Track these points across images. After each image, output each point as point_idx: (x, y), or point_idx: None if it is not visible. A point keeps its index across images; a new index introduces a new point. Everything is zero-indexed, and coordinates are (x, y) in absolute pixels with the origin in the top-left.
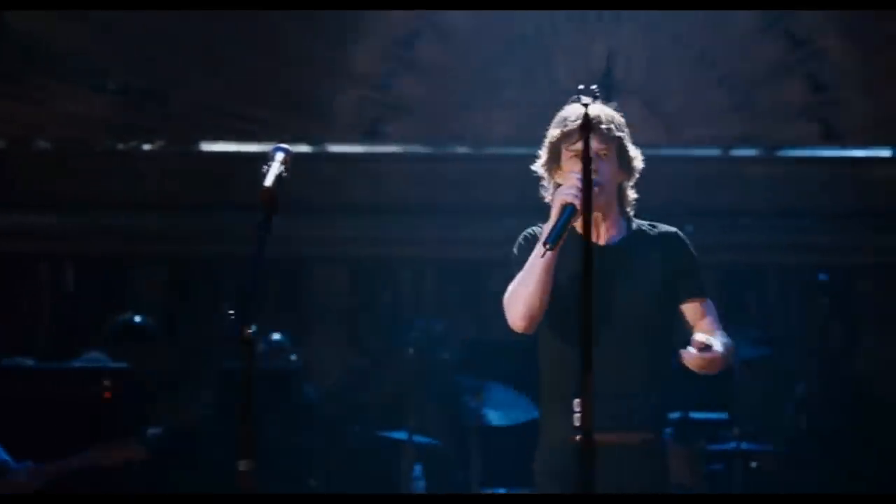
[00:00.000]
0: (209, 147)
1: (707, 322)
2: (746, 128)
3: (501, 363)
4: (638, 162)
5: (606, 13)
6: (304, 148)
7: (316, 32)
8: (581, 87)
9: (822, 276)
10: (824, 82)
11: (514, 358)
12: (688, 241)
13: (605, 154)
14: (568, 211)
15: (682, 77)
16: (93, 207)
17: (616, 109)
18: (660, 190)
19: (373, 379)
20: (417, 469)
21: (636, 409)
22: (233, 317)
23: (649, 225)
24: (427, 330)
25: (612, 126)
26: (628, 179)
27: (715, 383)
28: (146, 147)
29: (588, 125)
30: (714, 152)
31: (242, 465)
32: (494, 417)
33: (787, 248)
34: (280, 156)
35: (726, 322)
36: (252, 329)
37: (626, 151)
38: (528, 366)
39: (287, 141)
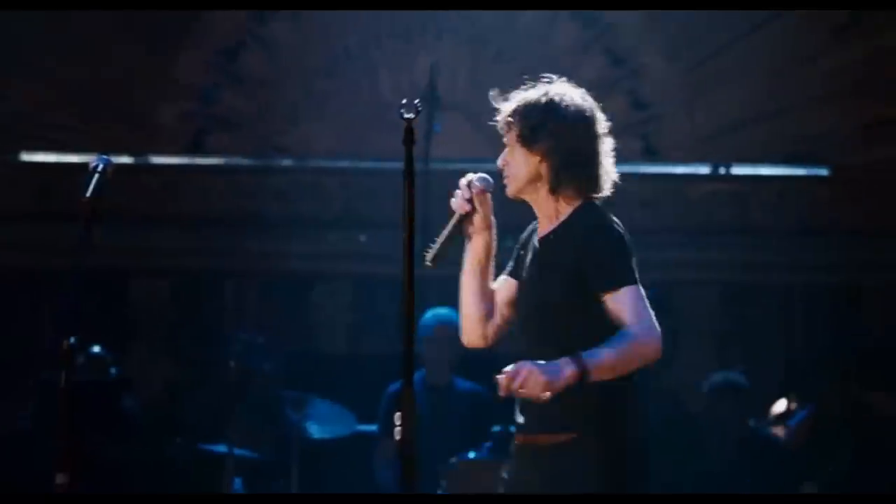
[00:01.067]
0: (29, 157)
1: (620, 317)
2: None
3: (323, 376)
4: (564, 137)
5: (430, 27)
6: (126, 159)
7: (140, 43)
8: (404, 101)
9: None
10: (644, 100)
11: (336, 371)
12: (602, 232)
13: (507, 143)
14: (453, 220)
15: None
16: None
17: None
18: None
19: (194, 391)
20: (237, 482)
21: (551, 409)
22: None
23: (586, 215)
24: (249, 342)
25: (505, 115)
26: (547, 161)
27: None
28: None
29: (410, 139)
30: None
31: (59, 479)
32: (316, 430)
33: None
34: (101, 167)
35: None
36: (71, 341)
37: (531, 135)
38: (350, 379)
39: (110, 152)
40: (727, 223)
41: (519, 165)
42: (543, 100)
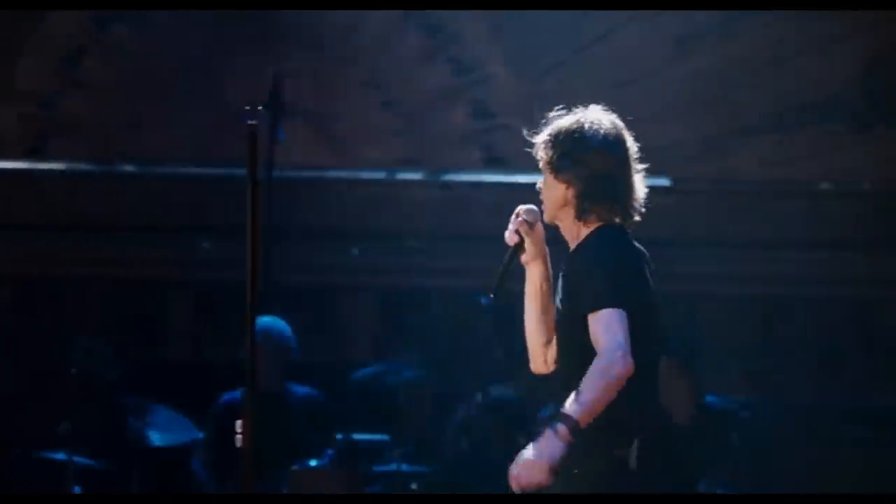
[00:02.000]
0: None
1: (594, 340)
2: (411, 151)
3: (165, 384)
4: (587, 164)
5: (275, 33)
6: None
7: None
8: (248, 107)
9: (484, 300)
10: (489, 109)
11: (178, 379)
12: (596, 254)
13: (543, 170)
14: (508, 252)
15: (349, 100)
16: None
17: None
18: (325, 212)
19: (34, 399)
20: (77, 490)
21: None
22: None
23: (595, 238)
24: (90, 350)
25: (539, 143)
26: (572, 188)
27: (378, 405)
28: None
29: (253, 146)
30: (379, 175)
31: None
32: (157, 438)
33: (451, 271)
34: None
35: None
36: None
37: (558, 162)
38: (194, 386)
39: None
40: None
41: (549, 192)
42: (572, 127)
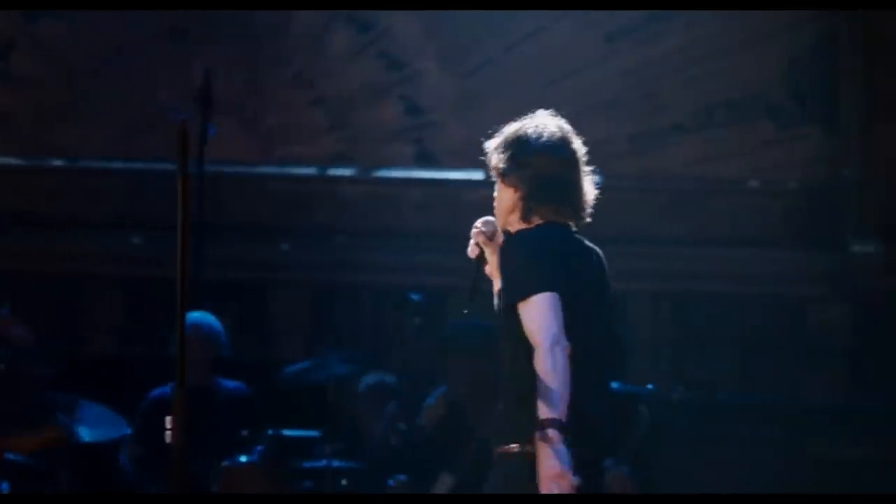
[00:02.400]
0: None
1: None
2: (342, 147)
3: (95, 379)
4: (531, 166)
5: (205, 29)
6: None
7: None
8: (178, 103)
9: (413, 296)
10: (420, 105)
11: (107, 375)
12: (514, 245)
13: (498, 185)
14: (473, 265)
15: (280, 96)
16: None
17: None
18: (256, 208)
19: None
20: (5, 486)
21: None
22: None
23: (517, 235)
24: (18, 346)
25: (488, 152)
26: (518, 192)
27: (309, 401)
28: None
29: (183, 141)
30: (310, 171)
31: None
32: (86, 434)
33: (381, 268)
34: None
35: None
36: None
37: (504, 167)
38: (122, 382)
39: None
40: None
41: (500, 199)
42: (517, 133)
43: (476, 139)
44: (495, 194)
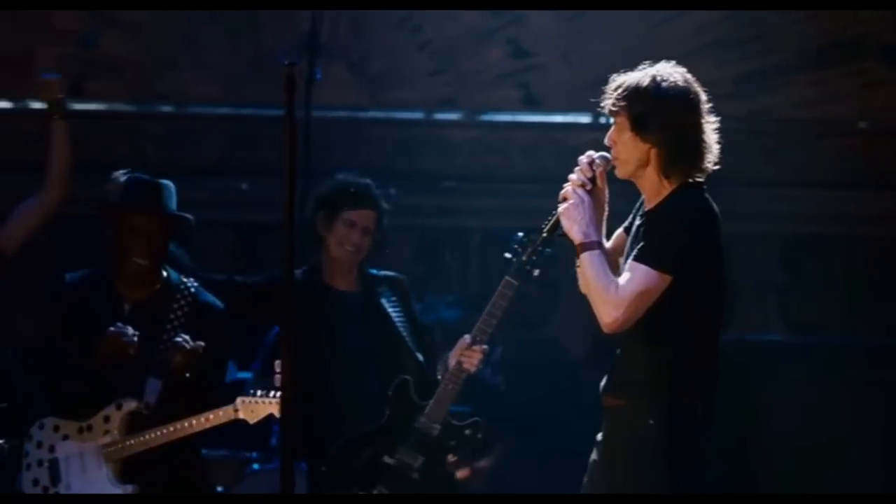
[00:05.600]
0: None
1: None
2: (448, 91)
3: None
4: (673, 124)
5: None
6: (5, 104)
7: None
8: (285, 48)
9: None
10: (525, 48)
11: None
12: (675, 216)
13: (615, 124)
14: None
15: (386, 40)
16: None
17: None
18: (362, 152)
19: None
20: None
21: (618, 374)
22: None
23: (680, 199)
24: None
25: (613, 98)
26: (657, 148)
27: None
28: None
29: (291, 87)
30: (416, 115)
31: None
32: None
33: (489, 211)
34: None
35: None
36: None
37: (642, 121)
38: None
39: None
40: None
41: (629, 150)
42: (651, 86)
43: (582, 82)
44: (612, 139)
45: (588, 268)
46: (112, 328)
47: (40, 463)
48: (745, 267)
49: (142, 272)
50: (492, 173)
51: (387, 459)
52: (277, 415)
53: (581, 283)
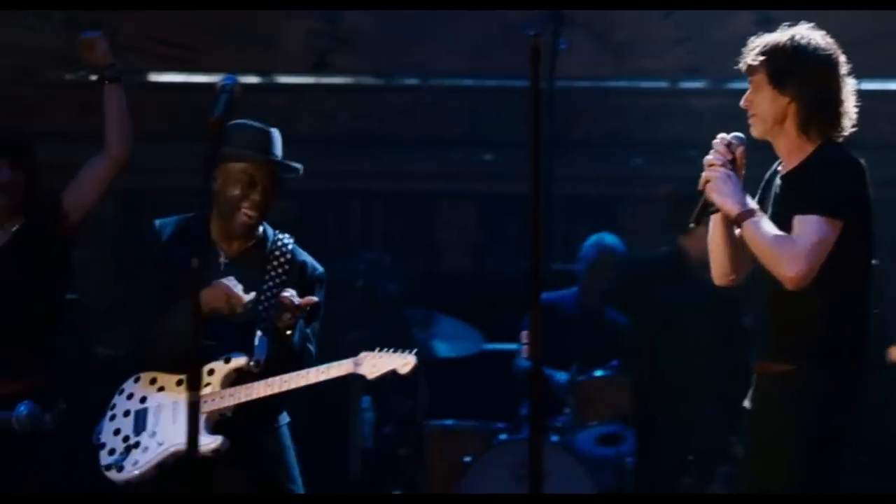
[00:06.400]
0: (156, 78)
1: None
2: (693, 60)
3: (449, 296)
4: (811, 79)
5: None
6: (251, 79)
7: None
8: (529, 18)
9: None
10: (770, 15)
11: (462, 291)
12: (838, 166)
13: (752, 84)
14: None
15: (630, 9)
16: (39, 139)
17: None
18: (606, 122)
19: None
20: (366, 400)
21: (781, 340)
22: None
23: (829, 153)
24: (375, 262)
25: (752, 57)
26: (796, 104)
27: None
28: (94, 78)
29: (536, 58)
30: (661, 84)
31: (190, 397)
32: (442, 349)
33: None
34: (229, 86)
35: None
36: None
37: (780, 77)
38: (475, 299)
39: (236, 72)
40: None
41: (766, 107)
42: (790, 43)
43: None
44: (748, 100)
45: (756, 233)
46: (222, 280)
47: (126, 413)
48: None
49: (250, 225)
50: None
51: None
52: (401, 371)
53: (753, 248)
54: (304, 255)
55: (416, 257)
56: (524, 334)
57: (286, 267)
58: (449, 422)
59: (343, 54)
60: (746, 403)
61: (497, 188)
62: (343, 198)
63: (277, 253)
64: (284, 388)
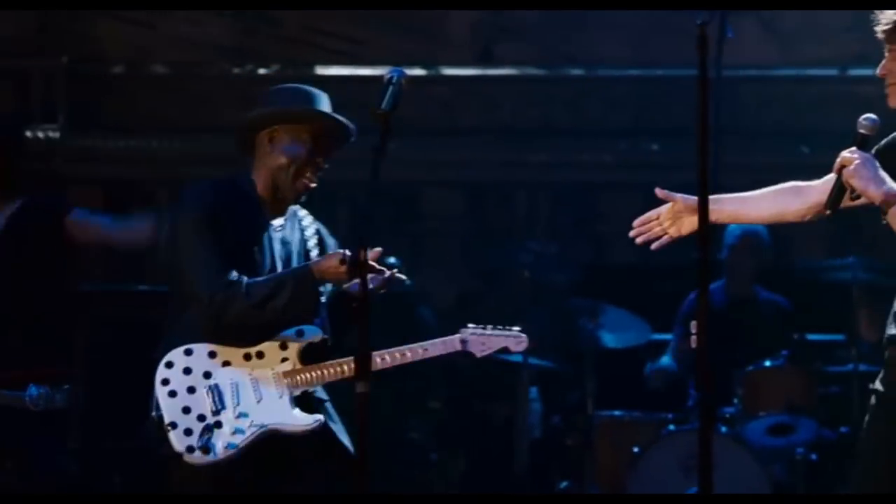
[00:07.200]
0: (322, 71)
1: None
2: (862, 47)
3: (616, 286)
4: None
5: None
6: (417, 71)
7: None
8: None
9: None
10: None
11: (630, 281)
12: None
13: (889, 52)
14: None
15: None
16: (207, 132)
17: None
18: (775, 110)
19: (487, 301)
20: (533, 391)
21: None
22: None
23: None
24: (541, 253)
25: (888, 24)
26: None
27: (832, 304)
28: (261, 71)
29: (703, 45)
30: (830, 72)
31: (360, 387)
32: (610, 340)
33: None
34: (396, 78)
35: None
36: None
37: None
38: (641, 289)
39: (401, 64)
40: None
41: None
42: None
43: None
44: (885, 68)
45: None
46: (336, 251)
47: (190, 389)
48: None
49: (305, 192)
50: None
51: None
52: (514, 349)
53: None
54: (320, 225)
55: (582, 248)
56: (693, 324)
57: (314, 228)
58: (617, 412)
59: (508, 45)
60: (878, 385)
61: (663, 178)
62: (509, 189)
63: (304, 219)
64: (382, 366)
